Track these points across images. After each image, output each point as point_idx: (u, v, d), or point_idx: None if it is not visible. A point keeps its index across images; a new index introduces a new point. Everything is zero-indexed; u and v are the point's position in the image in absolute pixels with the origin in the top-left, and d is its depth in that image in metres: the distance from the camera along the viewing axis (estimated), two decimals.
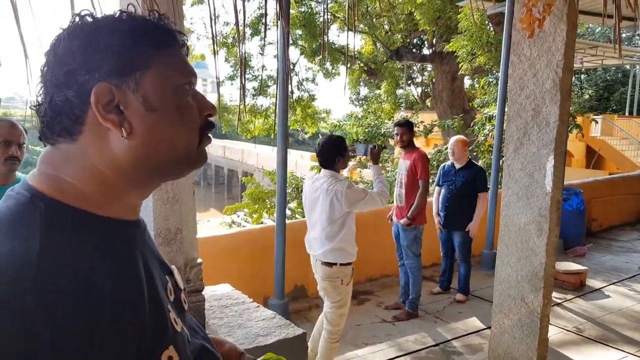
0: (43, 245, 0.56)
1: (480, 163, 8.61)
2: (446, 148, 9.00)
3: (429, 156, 4.80)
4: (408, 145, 4.31)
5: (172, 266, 0.80)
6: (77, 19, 0.67)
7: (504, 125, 5.86)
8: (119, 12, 0.68)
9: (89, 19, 0.67)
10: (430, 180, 4.89)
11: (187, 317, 0.78)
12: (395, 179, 4.55)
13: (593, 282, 5.17)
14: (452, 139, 4.75)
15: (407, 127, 4.33)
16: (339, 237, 3.06)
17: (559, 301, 4.59)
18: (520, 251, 2.76)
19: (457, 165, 4.65)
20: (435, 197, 4.81)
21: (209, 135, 0.74)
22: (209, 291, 3.03)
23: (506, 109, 3.63)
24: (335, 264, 3.09)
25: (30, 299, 0.51)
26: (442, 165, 4.93)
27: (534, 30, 2.41)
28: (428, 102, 16.70)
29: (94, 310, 0.54)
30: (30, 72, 1.42)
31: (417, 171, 4.20)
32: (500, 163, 5.86)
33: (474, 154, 8.75)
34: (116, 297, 0.56)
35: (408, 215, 4.20)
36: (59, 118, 0.65)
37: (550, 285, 2.75)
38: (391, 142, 11.09)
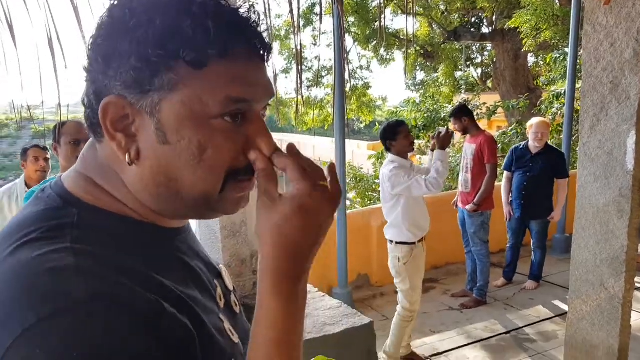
0: (76, 262, 0.47)
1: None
2: (512, 130, 8.63)
3: None
4: (466, 131, 4.16)
5: (220, 265, 0.72)
6: (112, 4, 0.53)
7: (575, 102, 5.53)
8: (157, 5, 0.52)
9: (121, 8, 0.52)
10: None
11: (241, 321, 0.70)
12: (458, 164, 4.40)
13: None
14: (537, 121, 4.37)
15: (454, 116, 4.16)
16: (393, 216, 3.20)
17: (638, 285, 4.29)
18: (599, 234, 2.59)
19: (534, 150, 4.29)
20: (505, 184, 4.46)
21: (243, 181, 0.57)
22: None
23: (578, 85, 3.39)
24: (392, 241, 3.21)
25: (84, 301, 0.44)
26: (513, 148, 4.58)
27: None
28: (489, 83, 16.07)
29: (152, 334, 0.46)
30: None
31: (485, 155, 4.02)
32: (572, 142, 5.54)
33: None
34: (166, 321, 0.48)
35: (475, 201, 4.05)
36: (88, 111, 0.57)
37: (633, 269, 2.56)
38: (451, 126, 10.76)
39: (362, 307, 4.28)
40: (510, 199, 4.45)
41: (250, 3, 0.56)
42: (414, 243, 3.19)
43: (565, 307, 3.86)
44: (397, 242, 3.18)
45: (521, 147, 4.45)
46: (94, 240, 0.51)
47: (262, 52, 0.56)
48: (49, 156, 3.27)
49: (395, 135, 3.15)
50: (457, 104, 9.96)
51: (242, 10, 0.54)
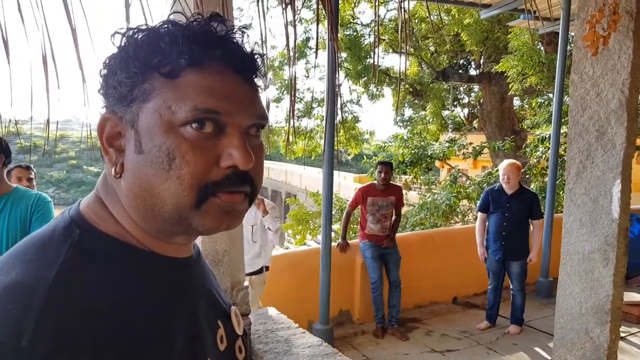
0: (58, 278, 0.48)
1: (532, 186, 8.30)
2: (497, 170, 8.74)
3: (477, 179, 4.59)
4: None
5: (233, 307, 0.71)
6: (115, 37, 0.58)
7: (560, 146, 5.63)
8: (144, 27, 0.57)
9: (122, 37, 0.58)
10: (472, 205, 4.70)
11: None
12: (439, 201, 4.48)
13: None
14: (506, 164, 4.44)
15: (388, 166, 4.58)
16: None
17: (622, 335, 4.27)
18: (584, 282, 2.57)
19: (509, 191, 4.36)
20: (480, 226, 4.49)
21: (224, 193, 0.55)
22: (254, 314, 3.00)
23: (564, 130, 3.42)
24: None
25: (26, 344, 0.44)
26: (487, 189, 4.62)
27: (598, 47, 2.28)
28: (475, 124, 16.36)
29: None
30: (87, 94, 1.43)
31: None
32: (556, 186, 5.60)
33: (526, 176, 8.43)
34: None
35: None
36: None
37: (618, 319, 2.55)
38: (437, 164, 10.86)
39: (343, 345, 4.17)
40: (485, 240, 4.45)
41: (239, 27, 0.58)
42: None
43: (548, 355, 3.81)
44: None
45: (496, 188, 4.49)
46: (82, 267, 0.51)
47: (243, 70, 0.57)
48: (32, 176, 3.27)
49: None
50: (444, 141, 10.10)
51: (218, 29, 0.56)
